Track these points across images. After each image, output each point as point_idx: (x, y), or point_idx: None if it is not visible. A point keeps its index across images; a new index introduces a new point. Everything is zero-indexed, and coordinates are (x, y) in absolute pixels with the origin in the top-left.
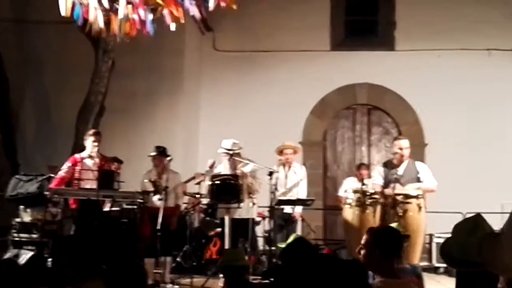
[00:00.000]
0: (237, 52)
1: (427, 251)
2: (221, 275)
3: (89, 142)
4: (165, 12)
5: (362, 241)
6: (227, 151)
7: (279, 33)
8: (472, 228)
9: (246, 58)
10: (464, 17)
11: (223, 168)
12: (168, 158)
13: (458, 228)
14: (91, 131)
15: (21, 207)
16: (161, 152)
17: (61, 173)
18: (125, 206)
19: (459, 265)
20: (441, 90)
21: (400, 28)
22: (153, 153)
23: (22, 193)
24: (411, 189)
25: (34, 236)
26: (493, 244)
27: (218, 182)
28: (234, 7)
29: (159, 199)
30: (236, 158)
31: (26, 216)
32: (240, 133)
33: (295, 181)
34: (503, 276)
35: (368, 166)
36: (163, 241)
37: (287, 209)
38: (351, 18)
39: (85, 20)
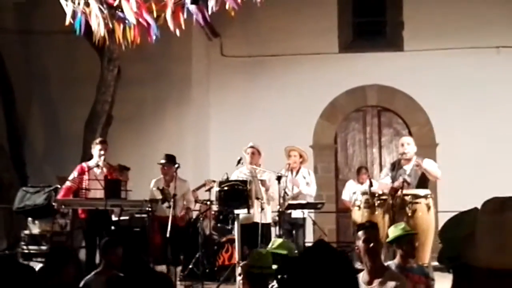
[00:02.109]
0: (245, 57)
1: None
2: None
3: (96, 151)
4: (168, 18)
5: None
6: (253, 147)
7: (287, 37)
8: (457, 222)
9: (254, 63)
10: (471, 15)
11: (240, 174)
12: (175, 166)
13: (446, 225)
14: (98, 140)
15: (29, 219)
16: (170, 159)
17: (68, 183)
18: (136, 215)
19: (453, 261)
20: (451, 89)
21: (407, 28)
22: (162, 161)
23: (30, 205)
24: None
25: (43, 248)
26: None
27: (226, 188)
28: (232, 13)
29: (167, 207)
30: (254, 166)
31: (35, 228)
32: (250, 138)
33: (304, 186)
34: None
35: (367, 170)
36: (174, 250)
37: (295, 214)
38: (359, 20)
39: (89, 29)
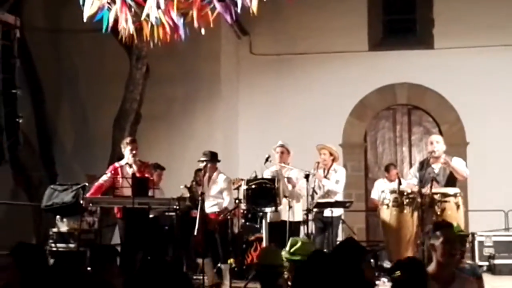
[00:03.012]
0: (274, 55)
1: (470, 250)
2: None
3: (127, 151)
4: (194, 16)
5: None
6: (282, 146)
7: (316, 35)
8: None
9: (283, 61)
10: (502, 12)
11: (269, 172)
12: (202, 164)
13: None
14: (128, 140)
15: (58, 217)
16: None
17: (100, 181)
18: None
19: None
20: (482, 87)
21: (438, 25)
22: (201, 158)
23: (58, 203)
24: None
25: (71, 246)
26: None
27: (254, 186)
28: (255, 12)
29: (195, 205)
30: (282, 164)
31: (63, 226)
32: (279, 136)
33: (328, 183)
34: None
35: (396, 166)
36: (216, 247)
37: (327, 212)
38: (389, 17)
39: (117, 27)
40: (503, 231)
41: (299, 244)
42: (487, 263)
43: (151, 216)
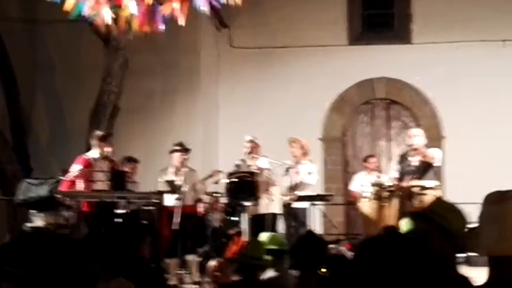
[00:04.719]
0: (254, 48)
1: None
2: None
3: (101, 147)
4: (174, 6)
5: None
6: (251, 141)
7: (296, 29)
8: None
9: (263, 55)
10: (479, 7)
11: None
12: (185, 156)
13: None
14: (102, 134)
15: (33, 211)
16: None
17: (71, 175)
18: (144, 207)
19: None
20: (459, 82)
21: (416, 20)
22: (178, 147)
23: (33, 197)
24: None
25: None
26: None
27: (235, 180)
28: (239, 2)
29: (177, 199)
30: (254, 155)
31: (38, 221)
32: (259, 130)
33: (303, 177)
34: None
35: (374, 156)
36: (185, 240)
37: (295, 204)
38: (368, 12)
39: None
40: None
41: (268, 235)
42: (464, 255)
43: (128, 210)
